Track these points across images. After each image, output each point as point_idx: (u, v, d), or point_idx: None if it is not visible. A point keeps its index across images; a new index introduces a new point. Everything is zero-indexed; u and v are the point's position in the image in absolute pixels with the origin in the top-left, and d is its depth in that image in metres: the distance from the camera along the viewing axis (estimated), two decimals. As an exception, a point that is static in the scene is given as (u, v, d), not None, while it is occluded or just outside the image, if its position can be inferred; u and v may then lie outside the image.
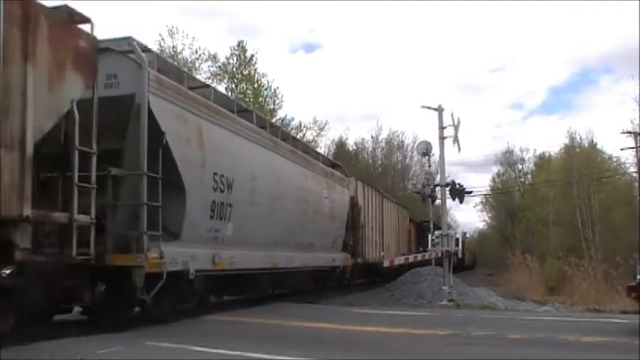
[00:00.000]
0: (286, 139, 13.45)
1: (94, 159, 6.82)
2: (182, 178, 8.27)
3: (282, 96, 30.65)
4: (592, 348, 6.94)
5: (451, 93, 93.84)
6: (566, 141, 43.13)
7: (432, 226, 19.32)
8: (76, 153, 6.54)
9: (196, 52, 28.26)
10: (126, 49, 7.97)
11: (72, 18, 6.80)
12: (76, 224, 6.41)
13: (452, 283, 15.38)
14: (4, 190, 5.44)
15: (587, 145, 41.30)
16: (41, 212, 6.03)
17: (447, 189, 16.74)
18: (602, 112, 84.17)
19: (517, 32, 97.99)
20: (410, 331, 8.59)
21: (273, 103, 30.35)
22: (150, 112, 7.65)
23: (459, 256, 16.31)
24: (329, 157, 22.42)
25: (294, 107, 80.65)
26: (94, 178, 6.81)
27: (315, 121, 35.80)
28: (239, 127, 10.46)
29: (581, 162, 37.94)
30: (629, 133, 29.87)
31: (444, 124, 15.88)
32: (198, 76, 27.14)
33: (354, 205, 17.68)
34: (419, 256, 22.03)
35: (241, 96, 28.86)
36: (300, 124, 33.95)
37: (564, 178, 38.84)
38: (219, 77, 29.32)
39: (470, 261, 48.91)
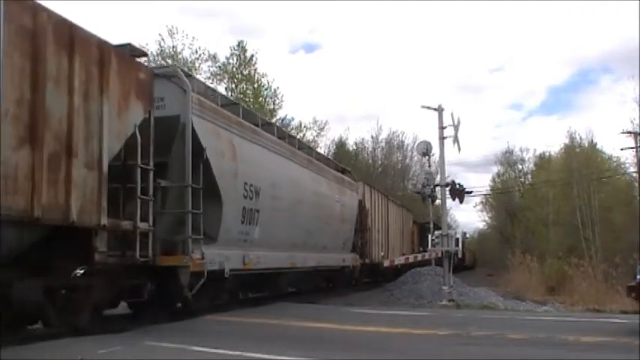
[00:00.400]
0: (302, 148, 14.60)
1: (151, 174, 7.85)
2: (219, 187, 9.40)
3: (282, 96, 30.69)
4: (592, 348, 6.94)
5: (451, 93, 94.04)
6: (566, 141, 43.19)
7: (432, 226, 19.32)
8: (139, 170, 7.54)
9: (196, 52, 28.31)
10: (170, 73, 9.15)
11: (133, 53, 8.09)
12: (139, 231, 7.48)
13: (452, 283, 15.38)
14: (85, 203, 6.57)
15: (587, 145, 41.34)
16: (114, 221, 7.11)
17: (447, 189, 16.75)
18: (602, 113, 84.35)
19: (517, 32, 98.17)
20: (410, 331, 8.58)
21: (273, 103, 30.39)
22: (193, 130, 8.74)
23: (459, 256, 16.29)
24: (329, 156, 23.21)
25: (294, 107, 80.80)
26: (151, 191, 7.84)
27: (315, 121, 35.87)
28: (263, 140, 11.57)
29: (581, 162, 37.94)
30: (629, 133, 29.91)
31: (444, 124, 15.89)
32: (198, 76, 27.26)
33: (362, 208, 18.44)
34: (419, 256, 22.05)
35: (241, 96, 28.85)
36: (300, 124, 34.01)
37: (564, 178, 38.85)
38: (219, 77, 29.34)
39: (470, 261, 48.99)
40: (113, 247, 7.25)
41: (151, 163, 7.84)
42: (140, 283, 8.04)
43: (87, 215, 6.63)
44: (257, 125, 11.62)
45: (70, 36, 6.51)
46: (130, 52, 7.95)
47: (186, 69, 28.00)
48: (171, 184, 8.52)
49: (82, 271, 6.87)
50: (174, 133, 8.64)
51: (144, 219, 7.62)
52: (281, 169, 12.17)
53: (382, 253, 21.43)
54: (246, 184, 10.32)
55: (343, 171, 17.96)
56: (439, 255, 16.27)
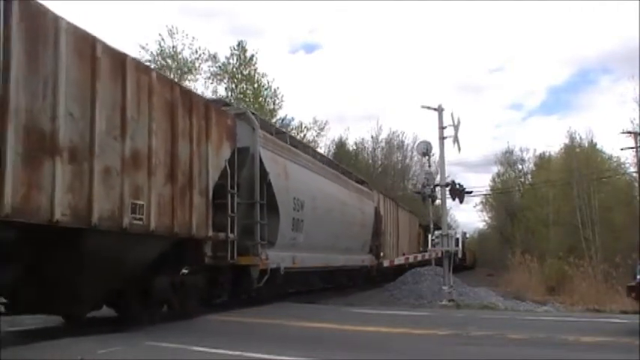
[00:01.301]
0: (329, 164, 17.26)
1: (236, 196, 10.02)
2: (277, 202, 11.62)
3: (282, 96, 30.67)
4: (592, 348, 6.94)
5: (451, 93, 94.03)
6: (566, 141, 43.17)
7: (432, 226, 19.33)
8: (229, 195, 9.80)
9: (196, 52, 28.30)
10: (241, 112, 11.58)
11: (223, 104, 11.23)
12: (229, 240, 9.75)
13: (452, 283, 15.38)
14: (200, 221, 8.77)
15: (587, 145, 41.32)
16: (215, 233, 9.32)
17: (447, 189, 16.75)
18: (602, 113, 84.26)
19: (516, 32, 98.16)
20: (410, 331, 8.58)
21: (273, 103, 30.38)
22: (260, 159, 11.13)
23: (459, 256, 16.30)
24: (329, 156, 24.34)
25: (294, 107, 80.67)
26: (235, 209, 9.95)
27: (315, 121, 35.85)
28: (303, 161, 14.08)
29: (581, 162, 37.93)
30: (629, 133, 29.89)
31: (444, 124, 15.89)
32: (198, 76, 27.01)
33: (377, 214, 20.37)
34: (419, 256, 22.10)
35: (241, 96, 28.85)
36: (301, 124, 33.99)
37: (564, 178, 38.84)
38: (219, 77, 29.32)
39: (470, 261, 49.04)
40: (212, 252, 9.50)
41: (235, 188, 10.00)
42: (226, 279, 10.31)
43: (200, 229, 8.82)
44: (296, 147, 14.19)
45: (190, 101, 8.81)
46: (221, 103, 11.10)
47: (185, 69, 27.93)
48: (246, 201, 10.77)
49: (186, 271, 9.21)
50: (244, 160, 10.75)
51: (231, 230, 9.86)
52: (317, 184, 14.56)
53: (382, 254, 21.56)
54: (294, 198, 12.65)
55: (362, 182, 20.16)
56: (439, 255, 16.28)
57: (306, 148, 15.72)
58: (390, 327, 8.94)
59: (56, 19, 6.19)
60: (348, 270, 17.48)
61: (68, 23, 6.31)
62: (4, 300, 6.82)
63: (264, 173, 11.19)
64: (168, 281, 8.67)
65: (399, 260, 21.65)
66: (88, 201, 6.46)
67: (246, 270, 10.68)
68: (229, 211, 9.75)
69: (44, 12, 6.07)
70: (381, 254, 20.98)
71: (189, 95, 9.05)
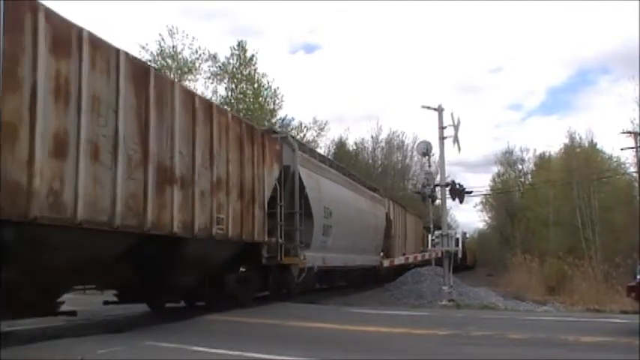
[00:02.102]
0: (349, 175, 19.39)
1: (283, 208, 12.45)
2: (312, 211, 13.94)
3: (282, 96, 30.58)
4: (592, 348, 6.93)
5: (451, 93, 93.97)
6: (566, 141, 43.12)
7: (432, 226, 19.34)
8: (278, 206, 12.19)
9: (196, 52, 28.27)
10: (283, 136, 13.99)
11: (272, 132, 13.78)
12: (279, 243, 12.10)
13: (452, 283, 15.38)
14: (259, 229, 11.08)
15: (587, 145, 41.28)
16: (269, 238, 11.64)
17: (447, 189, 16.74)
18: (601, 113, 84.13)
19: (516, 33, 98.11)
20: (410, 331, 8.59)
21: (273, 103, 30.32)
22: (299, 176, 13.36)
23: (459, 256, 16.32)
24: (329, 156, 25.02)
25: (295, 107, 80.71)
26: (283, 218, 12.43)
27: (315, 121, 35.73)
28: (330, 174, 16.56)
29: (581, 162, 37.90)
30: (629, 133, 29.86)
31: (444, 124, 15.89)
32: (198, 76, 27.16)
33: (387, 219, 22.58)
34: (419, 256, 22.14)
35: (241, 96, 28.83)
36: (301, 124, 33.88)
37: (564, 178, 38.82)
38: (219, 77, 29.30)
39: (470, 261, 49.11)
40: (267, 254, 11.72)
41: (282, 201, 12.47)
42: (273, 276, 12.58)
43: (260, 236, 11.18)
44: (324, 163, 16.71)
45: (252, 133, 11.08)
46: (271, 132, 13.50)
47: (185, 69, 27.91)
48: (289, 210, 12.95)
49: (244, 269, 11.61)
50: (287, 177, 12.98)
51: (280, 235, 12.19)
52: (341, 194, 16.89)
53: (382, 254, 21.72)
54: (324, 207, 14.88)
55: (375, 190, 22.42)
56: (439, 255, 16.28)
57: (332, 163, 18.40)
58: (390, 327, 8.94)
59: (173, 83, 9.03)
60: (363, 269, 19.60)
61: (181, 86, 9.48)
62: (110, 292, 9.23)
63: (302, 187, 13.45)
64: (235, 277, 11.15)
65: (399, 260, 21.69)
66: (191, 217, 8.66)
67: (289, 268, 12.87)
68: (279, 220, 12.23)
69: (171, 81, 9.59)
70: (392, 255, 22.80)
71: (251, 128, 11.38)
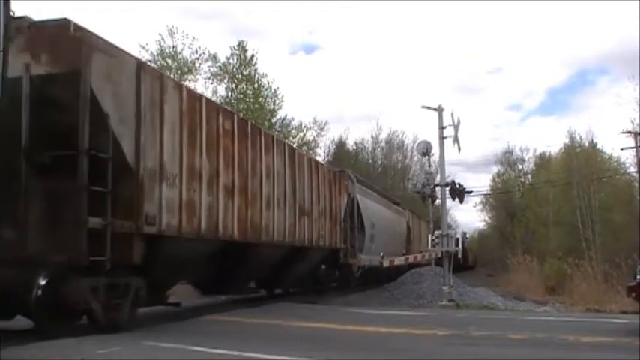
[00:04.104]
0: (382, 195, 25.07)
1: (348, 224, 17.41)
2: (364, 225, 19.06)
3: (283, 96, 30.47)
4: (592, 348, 6.93)
5: (450, 93, 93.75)
6: (566, 141, 43.07)
7: (432, 226, 19.33)
8: (347, 224, 17.20)
9: (196, 52, 28.21)
10: (345, 171, 18.90)
11: (341, 170, 18.10)
12: (347, 249, 17.15)
13: (452, 283, 15.37)
14: (339, 239, 16.33)
15: (587, 145, 41.24)
16: (344, 245, 16.76)
17: (447, 189, 16.74)
18: (600, 113, 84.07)
19: (515, 34, 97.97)
20: (410, 331, 8.59)
21: (274, 103, 30.22)
22: (357, 200, 18.53)
23: (459, 256, 16.32)
24: (329, 156, 27.52)
25: (295, 107, 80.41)
26: (348, 232, 17.37)
27: (315, 121, 35.61)
28: (371, 196, 21.82)
29: (581, 162, 37.89)
30: (629, 133, 29.82)
31: (444, 124, 15.89)
32: (198, 76, 27.10)
33: (408, 227, 27.71)
34: (419, 257, 22.14)
35: (241, 96, 28.79)
36: (301, 124, 33.74)
37: (564, 178, 38.81)
38: (219, 77, 29.26)
39: (471, 261, 49.18)
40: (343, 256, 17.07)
41: (355, 221, 18.13)
42: (342, 272, 17.68)
43: (340, 244, 16.49)
44: (369, 188, 22.68)
45: (334, 175, 16.57)
46: (340, 171, 18.04)
47: (185, 69, 27.85)
48: (350, 225, 17.73)
49: (324, 267, 16.38)
50: (349, 202, 17.75)
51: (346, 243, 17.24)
52: (379, 210, 22.00)
53: (382, 254, 21.84)
54: (371, 222, 19.94)
55: (398, 204, 28.10)
56: (439, 255, 16.27)
57: (372, 187, 24.02)
58: (390, 327, 8.94)
59: (304, 155, 14.90)
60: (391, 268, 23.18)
61: (308, 156, 16.40)
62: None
63: (358, 208, 18.54)
64: (324, 271, 16.52)
65: (400, 260, 21.70)
66: (310, 234, 14.08)
67: (350, 266, 17.77)
68: (348, 232, 17.39)
69: (305, 155, 16.09)
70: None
71: (333, 172, 16.93)
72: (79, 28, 6.99)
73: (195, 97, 9.30)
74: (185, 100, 8.69)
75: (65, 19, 6.94)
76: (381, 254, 19.52)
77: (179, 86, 9.15)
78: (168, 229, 8.06)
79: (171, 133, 8.28)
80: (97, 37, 7.24)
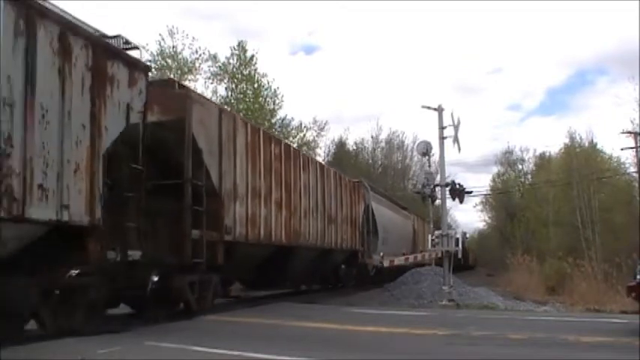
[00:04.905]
0: (392, 200, 27.51)
1: (364, 229, 19.90)
2: (378, 229, 20.86)
3: (282, 96, 30.46)
4: (592, 348, 6.93)
5: (450, 94, 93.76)
6: (566, 141, 43.03)
7: (432, 225, 19.34)
8: (364, 228, 19.83)
9: (196, 52, 28.21)
10: (361, 181, 21.15)
11: (359, 181, 20.71)
12: (364, 250, 19.72)
13: (452, 283, 15.37)
14: (358, 242, 19.18)
15: (587, 145, 41.22)
16: (362, 247, 19.73)
17: (447, 189, 16.73)
18: (600, 113, 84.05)
19: (515, 34, 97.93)
20: (410, 331, 8.58)
21: (274, 103, 30.22)
22: (372, 208, 20.64)
23: (459, 256, 16.28)
24: (329, 156, 27.69)
25: (295, 108, 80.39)
26: (364, 235, 19.74)
27: (315, 121, 35.59)
28: (383, 202, 24.01)
29: (581, 162, 37.87)
30: (629, 133, 29.79)
31: (444, 124, 15.88)
32: (198, 76, 27.17)
33: (413, 229, 29.61)
34: (419, 257, 22.17)
35: (241, 96, 28.77)
36: (301, 124, 33.74)
37: (564, 178, 38.79)
38: (219, 77, 29.25)
39: (472, 261, 49.20)
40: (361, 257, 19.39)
41: (364, 224, 19.88)
42: (359, 270, 19.55)
43: (358, 246, 18.84)
44: (381, 195, 24.77)
45: (353, 184, 19.22)
46: (358, 181, 20.19)
47: (185, 69, 27.84)
48: (366, 229, 19.97)
49: (343, 267, 18.65)
50: (364, 208, 20.12)
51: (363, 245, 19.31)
52: (390, 215, 24.26)
53: (382, 254, 22.00)
54: (384, 226, 21.82)
55: (405, 208, 29.98)
56: (439, 255, 16.26)
57: (384, 194, 26.88)
58: (390, 327, 8.94)
59: (331, 170, 17.16)
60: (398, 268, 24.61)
61: (334, 171, 17.76)
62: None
63: (373, 214, 20.66)
64: (345, 270, 18.75)
65: (399, 260, 21.73)
66: (336, 238, 16.57)
67: (366, 266, 19.67)
68: (365, 236, 19.57)
69: (332, 170, 17.93)
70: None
71: (352, 182, 19.24)
72: (181, 86, 10.25)
73: (255, 130, 11.91)
74: (249, 133, 11.21)
75: (171, 78, 10.60)
76: (381, 254, 20.31)
77: (245, 123, 11.80)
78: (240, 237, 10.51)
79: (240, 161, 10.69)
80: (194, 91, 10.57)
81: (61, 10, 6.68)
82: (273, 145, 12.45)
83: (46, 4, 6.28)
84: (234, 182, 10.39)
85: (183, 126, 8.86)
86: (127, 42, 8.06)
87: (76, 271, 6.77)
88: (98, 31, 7.38)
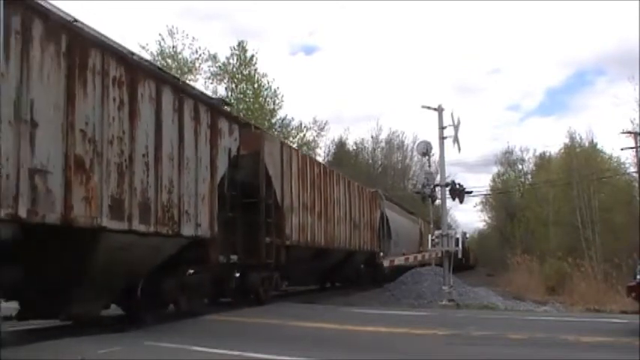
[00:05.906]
0: (402, 207, 29.86)
1: (380, 233, 22.23)
2: (391, 233, 23.37)
3: (282, 96, 30.49)
4: (592, 348, 6.93)
5: (449, 94, 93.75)
6: (566, 141, 43.01)
7: (432, 225, 19.34)
8: (380, 232, 22.35)
9: (196, 52, 28.25)
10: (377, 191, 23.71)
11: (375, 190, 23.22)
12: (379, 252, 21.98)
13: (452, 283, 15.37)
14: (376, 244, 21.69)
15: (587, 145, 41.20)
16: (378, 249, 22.01)
17: (447, 189, 16.73)
18: (599, 113, 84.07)
19: (514, 35, 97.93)
20: (410, 331, 8.58)
21: (274, 103, 30.24)
22: (386, 214, 23.08)
23: (459, 256, 16.28)
24: (329, 156, 28.31)
25: (295, 108, 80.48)
26: (381, 238, 22.26)
27: (315, 121, 35.61)
28: (394, 208, 26.27)
29: (581, 162, 37.85)
30: (629, 133, 29.79)
31: (444, 124, 15.88)
32: (198, 76, 27.27)
33: (420, 232, 31.19)
34: (419, 257, 22.18)
35: (241, 96, 28.78)
36: (301, 124, 33.76)
37: (564, 178, 38.77)
38: (219, 77, 29.27)
39: (472, 261, 49.24)
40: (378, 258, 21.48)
41: (380, 228, 22.14)
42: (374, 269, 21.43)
43: (376, 247, 21.40)
44: (393, 202, 27.19)
45: (370, 193, 21.67)
46: (375, 191, 22.65)
47: (185, 69, 27.88)
48: (381, 233, 21.91)
49: (362, 266, 21.20)
50: (380, 216, 22.27)
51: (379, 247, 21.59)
52: (400, 219, 26.49)
53: (381, 254, 22.18)
54: (395, 230, 23.98)
55: (413, 213, 32.25)
56: (439, 255, 16.26)
57: (397, 202, 29.66)
58: (390, 327, 8.94)
59: (353, 183, 19.57)
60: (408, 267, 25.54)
61: (358, 184, 20.39)
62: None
63: (387, 220, 22.94)
64: (364, 270, 20.96)
65: (400, 260, 21.75)
66: (359, 241, 19.10)
67: (381, 266, 20.71)
68: (381, 238, 21.70)
69: (355, 184, 20.10)
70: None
71: (368, 190, 21.18)
72: (256, 127, 13.75)
73: (304, 156, 15.66)
74: (300, 159, 14.30)
75: (248, 122, 13.33)
76: (381, 254, 21.69)
77: (297, 151, 15.56)
78: (295, 242, 13.27)
79: (294, 182, 13.62)
80: (264, 131, 14.60)
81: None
82: (315, 166, 15.59)
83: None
84: (291, 199, 13.29)
85: (258, 158, 11.73)
86: (224, 102, 12.83)
87: (192, 271, 9.31)
88: (203, 93, 10.79)
